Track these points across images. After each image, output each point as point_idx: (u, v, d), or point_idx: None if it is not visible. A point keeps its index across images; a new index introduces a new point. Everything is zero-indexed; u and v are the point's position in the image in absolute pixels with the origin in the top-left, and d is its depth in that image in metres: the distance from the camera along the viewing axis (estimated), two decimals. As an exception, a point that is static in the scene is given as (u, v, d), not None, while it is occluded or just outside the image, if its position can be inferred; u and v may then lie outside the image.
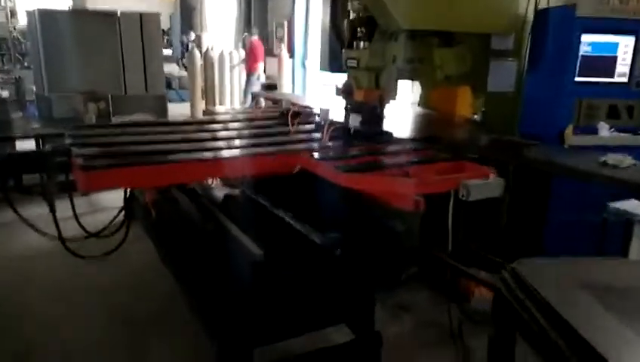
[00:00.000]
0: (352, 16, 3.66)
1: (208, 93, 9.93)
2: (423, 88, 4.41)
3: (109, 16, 5.05)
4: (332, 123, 2.99)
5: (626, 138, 3.33)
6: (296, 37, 11.69)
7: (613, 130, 3.35)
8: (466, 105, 3.95)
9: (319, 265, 2.04)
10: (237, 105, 10.06)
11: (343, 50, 3.63)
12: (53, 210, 2.59)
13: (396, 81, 3.51)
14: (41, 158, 2.46)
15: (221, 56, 10.36)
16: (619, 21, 3.23)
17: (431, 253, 2.57)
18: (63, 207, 2.70)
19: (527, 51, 3.69)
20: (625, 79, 3.37)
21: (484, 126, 3.70)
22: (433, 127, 3.76)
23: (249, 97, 9.73)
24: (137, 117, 5.19)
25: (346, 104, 3.73)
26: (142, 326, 2.89)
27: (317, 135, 3.00)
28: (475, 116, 3.90)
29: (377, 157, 2.55)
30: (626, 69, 3.35)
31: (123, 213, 3.20)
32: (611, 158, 2.29)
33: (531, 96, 3.64)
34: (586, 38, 3.26)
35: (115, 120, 4.87)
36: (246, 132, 3.05)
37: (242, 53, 10.84)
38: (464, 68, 3.62)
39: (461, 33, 3.45)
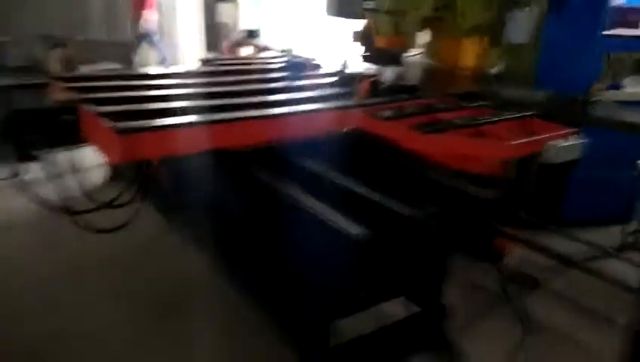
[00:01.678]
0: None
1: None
2: (432, 40, 4.16)
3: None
4: (365, 76, 2.69)
5: (652, 94, 3.29)
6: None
7: None
8: (483, 57, 3.76)
9: (412, 240, 1.81)
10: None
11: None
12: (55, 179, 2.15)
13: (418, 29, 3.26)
14: (46, 117, 2.01)
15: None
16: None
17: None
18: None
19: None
20: (652, 32, 3.30)
21: (507, 80, 3.54)
22: (459, 82, 3.54)
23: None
24: (103, 66, 4.58)
25: (365, 51, 3.42)
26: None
27: (339, 90, 2.69)
28: (494, 70, 3.72)
29: (436, 115, 2.30)
30: (654, 22, 3.27)
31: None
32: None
33: (553, 49, 3.48)
34: (619, -13, 3.12)
35: (82, 70, 4.24)
36: (269, 86, 2.68)
37: (194, -3, 9.93)
38: (491, 16, 3.41)
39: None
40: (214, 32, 12.12)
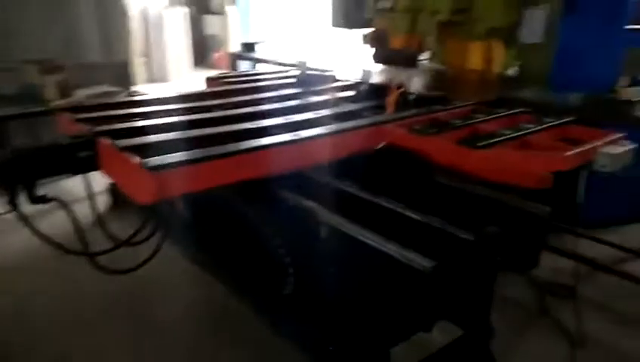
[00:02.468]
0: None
1: (151, 61, 8.96)
2: (443, 43, 4.05)
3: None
4: (390, 87, 2.55)
5: (679, 89, 3.20)
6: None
7: (661, 80, 3.20)
8: (499, 60, 3.66)
9: (475, 265, 1.68)
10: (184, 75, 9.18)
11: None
12: (75, 222, 1.98)
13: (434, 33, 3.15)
14: (60, 154, 1.84)
15: (161, 13, 9.25)
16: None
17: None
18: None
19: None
20: (672, 26, 3.22)
21: (523, 81, 3.44)
22: (479, 86, 3.43)
23: None
24: (101, 89, 4.41)
25: (377, 53, 3.28)
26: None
27: (365, 103, 2.56)
28: (509, 71, 3.62)
29: (476, 127, 2.17)
30: (674, 15, 3.19)
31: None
32: None
33: (570, 47, 3.39)
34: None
35: (79, 94, 4.07)
36: (291, 104, 2.54)
37: (183, 11, 9.79)
38: (507, 18, 3.31)
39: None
40: (202, 44, 12.00)
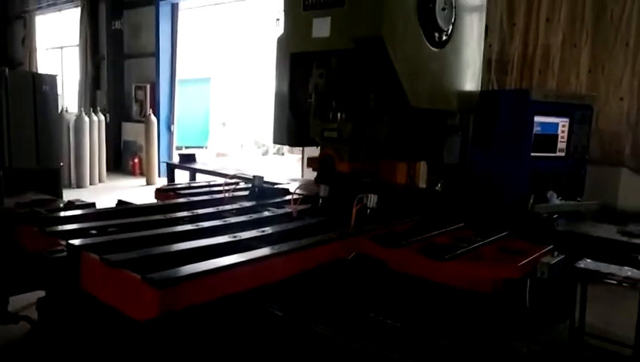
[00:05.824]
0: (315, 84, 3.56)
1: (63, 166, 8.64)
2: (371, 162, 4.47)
3: (-9, 74, 4.06)
4: (358, 202, 2.75)
5: (573, 204, 3.80)
6: (161, 100, 11.03)
7: (560, 198, 3.79)
8: (423, 176, 4.13)
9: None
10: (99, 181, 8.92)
11: (315, 121, 3.47)
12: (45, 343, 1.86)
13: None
14: (40, 269, 1.79)
15: (79, 119, 9.11)
16: (560, 105, 3.79)
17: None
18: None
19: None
20: (563, 153, 3.91)
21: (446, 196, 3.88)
22: (414, 200, 3.79)
23: None
24: (31, 197, 4.20)
25: (320, 176, 3.56)
26: None
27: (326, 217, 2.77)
28: (437, 187, 4.07)
29: (432, 239, 2.44)
30: (564, 145, 3.89)
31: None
32: (633, 228, 2.55)
33: (481, 169, 3.95)
34: (537, 118, 3.72)
35: (7, 202, 3.85)
36: (255, 216, 2.67)
37: (101, 118, 9.75)
38: (437, 143, 3.81)
39: (434, 111, 3.64)
40: (117, 151, 11.84)
